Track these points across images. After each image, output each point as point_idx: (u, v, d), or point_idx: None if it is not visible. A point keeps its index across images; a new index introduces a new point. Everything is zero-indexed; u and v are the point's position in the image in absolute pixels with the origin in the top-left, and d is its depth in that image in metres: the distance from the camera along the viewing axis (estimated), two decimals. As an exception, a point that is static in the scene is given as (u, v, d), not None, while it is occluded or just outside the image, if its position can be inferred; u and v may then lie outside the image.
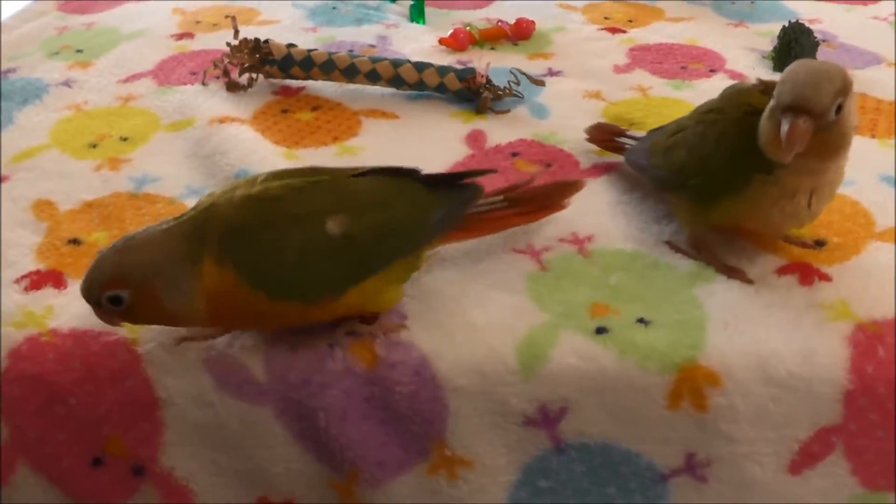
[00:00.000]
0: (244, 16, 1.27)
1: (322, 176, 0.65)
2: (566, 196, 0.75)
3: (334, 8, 1.30)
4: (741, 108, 0.68)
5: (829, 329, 0.65)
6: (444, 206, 0.66)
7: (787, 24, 1.08)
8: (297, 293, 0.61)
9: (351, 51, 1.12)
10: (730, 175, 0.67)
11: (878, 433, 0.64)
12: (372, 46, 1.14)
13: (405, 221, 0.64)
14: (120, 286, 0.58)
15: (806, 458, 0.64)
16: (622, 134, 0.86)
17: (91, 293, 0.59)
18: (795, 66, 0.63)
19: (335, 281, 0.62)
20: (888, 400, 0.63)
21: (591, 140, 0.88)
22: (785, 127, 0.60)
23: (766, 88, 0.68)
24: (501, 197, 0.72)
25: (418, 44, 1.15)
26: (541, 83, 0.97)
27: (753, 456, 0.64)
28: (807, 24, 1.10)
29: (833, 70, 0.61)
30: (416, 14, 1.23)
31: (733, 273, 0.70)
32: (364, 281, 0.62)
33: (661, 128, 0.80)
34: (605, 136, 0.87)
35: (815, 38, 1.08)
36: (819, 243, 0.74)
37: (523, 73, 0.97)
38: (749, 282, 0.69)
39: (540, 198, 0.74)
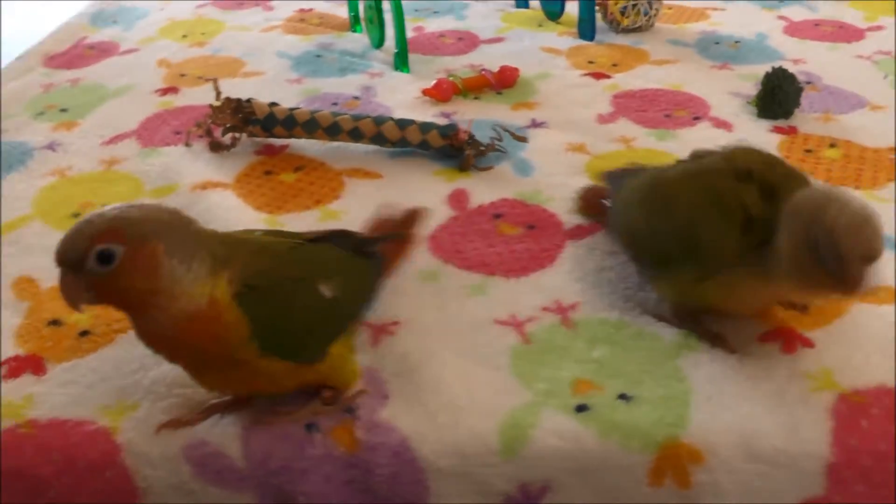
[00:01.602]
0: (230, 67, 1.28)
1: (296, 239, 0.68)
2: (416, 223, 0.77)
3: (318, 56, 1.30)
4: (711, 190, 0.67)
5: (812, 400, 0.65)
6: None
7: (770, 71, 1.08)
8: (290, 353, 0.61)
9: (335, 104, 1.12)
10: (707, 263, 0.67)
11: (865, 504, 0.63)
12: (356, 98, 1.15)
13: (362, 283, 0.68)
14: (116, 239, 0.54)
15: (791, 528, 0.64)
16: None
17: (77, 246, 0.54)
18: (850, 213, 0.61)
19: (322, 342, 0.63)
20: (874, 472, 0.62)
21: (580, 208, 0.87)
22: (867, 275, 0.60)
23: (738, 174, 0.67)
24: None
25: (403, 94, 1.15)
26: (523, 139, 0.97)
27: (739, 529, 0.63)
28: (791, 67, 1.10)
29: (875, 213, 0.62)
30: (400, 62, 1.23)
31: (717, 342, 0.69)
32: (336, 343, 0.64)
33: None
34: (593, 200, 0.86)
35: (799, 83, 1.08)
36: (802, 307, 0.74)
37: (506, 130, 0.97)
38: (732, 351, 0.69)
39: (405, 230, 0.76)
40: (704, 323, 0.71)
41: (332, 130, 0.99)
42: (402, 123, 0.98)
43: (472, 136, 0.96)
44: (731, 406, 0.64)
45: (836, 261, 0.59)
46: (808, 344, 0.70)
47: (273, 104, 1.02)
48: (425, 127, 0.97)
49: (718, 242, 0.65)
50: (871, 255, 0.60)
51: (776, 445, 0.62)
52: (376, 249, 0.71)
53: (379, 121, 0.98)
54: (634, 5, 1.31)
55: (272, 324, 0.59)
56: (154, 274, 0.55)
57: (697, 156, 0.74)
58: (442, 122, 1.01)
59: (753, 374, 0.67)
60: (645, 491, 0.62)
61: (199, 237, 0.59)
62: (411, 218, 0.77)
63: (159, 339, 0.59)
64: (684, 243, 0.67)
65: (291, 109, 1.01)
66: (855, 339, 0.71)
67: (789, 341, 0.70)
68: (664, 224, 0.69)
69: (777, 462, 0.62)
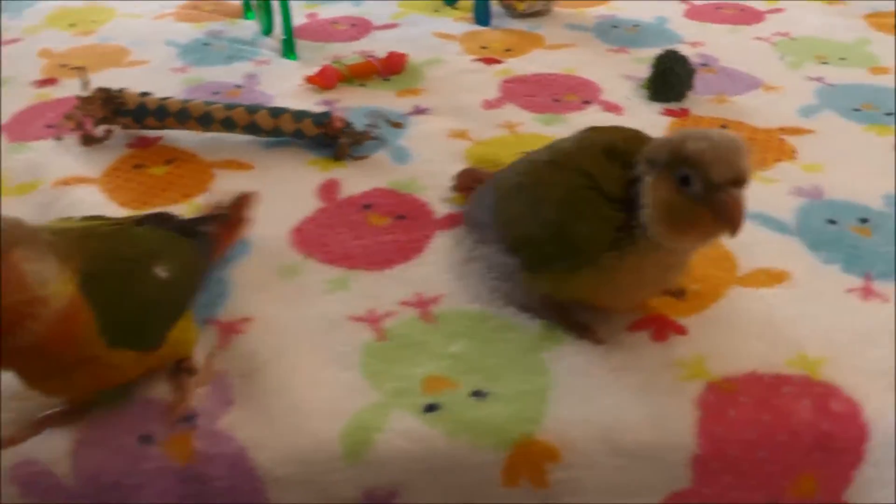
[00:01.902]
0: (114, 57, 1.22)
1: (119, 223, 0.65)
2: (247, 207, 0.76)
3: (207, 44, 1.25)
4: (580, 177, 0.63)
5: (680, 390, 0.62)
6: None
7: (661, 53, 1.05)
8: (135, 340, 0.58)
9: (216, 93, 1.08)
10: (572, 255, 0.64)
11: (734, 494, 0.61)
12: (238, 87, 1.10)
13: (190, 262, 0.65)
14: None
15: (659, 521, 0.61)
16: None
17: None
18: (713, 140, 0.58)
19: (163, 326, 0.60)
20: (741, 462, 0.60)
21: (457, 189, 0.84)
22: (732, 201, 0.57)
23: (612, 151, 0.63)
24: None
25: (287, 82, 1.11)
26: (399, 125, 0.94)
27: (603, 525, 0.60)
28: (689, 50, 1.10)
29: (739, 137, 0.59)
30: (287, 50, 1.18)
31: (584, 333, 0.66)
32: (177, 321, 0.62)
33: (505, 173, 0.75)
34: (471, 183, 0.83)
35: (692, 65, 1.06)
36: (678, 292, 0.71)
37: (380, 116, 0.93)
38: (599, 342, 0.66)
39: (232, 213, 0.74)
40: (572, 314, 0.68)
41: (204, 120, 0.95)
42: (276, 112, 0.93)
43: (347, 124, 0.92)
44: (593, 399, 0.61)
45: (707, 190, 0.57)
46: (681, 331, 0.68)
47: (145, 94, 0.97)
48: (299, 115, 0.93)
49: (590, 231, 0.62)
50: (740, 177, 0.57)
51: (639, 438, 0.59)
52: (204, 231, 0.69)
53: (252, 110, 0.94)
54: (532, -11, 1.28)
55: (116, 310, 0.56)
56: (24, 283, 0.51)
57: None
58: (324, 110, 0.97)
59: (620, 365, 0.64)
60: (499, 491, 0.59)
61: (39, 234, 0.54)
62: (241, 202, 0.75)
63: (26, 353, 0.54)
64: (556, 235, 0.64)
65: (163, 99, 0.96)
66: (731, 323, 0.68)
67: (661, 328, 0.67)
68: (535, 215, 0.66)
69: (640, 455, 0.59)
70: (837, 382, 0.63)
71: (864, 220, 0.82)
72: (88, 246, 0.57)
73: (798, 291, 0.72)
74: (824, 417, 0.61)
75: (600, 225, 0.62)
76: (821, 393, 0.62)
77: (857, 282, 0.74)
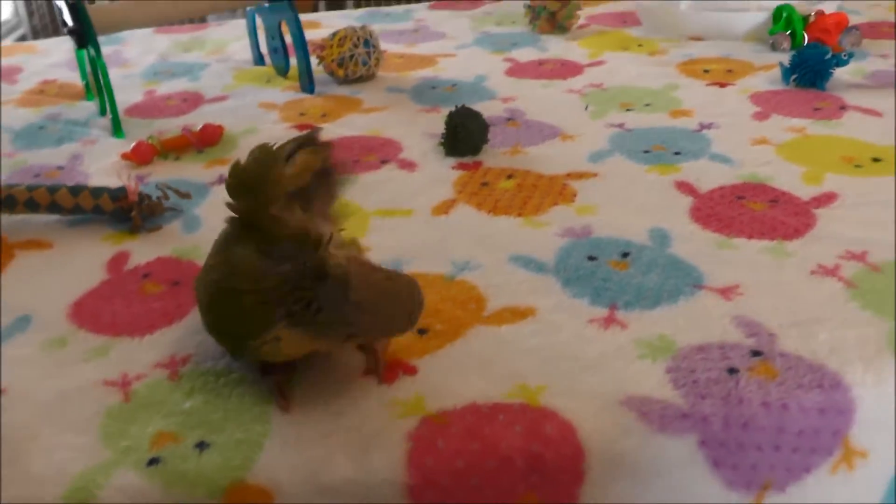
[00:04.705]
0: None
1: None
2: None
3: (42, 128, 1.30)
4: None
5: (393, 427, 0.67)
6: None
7: (452, 111, 1.12)
8: None
9: (38, 175, 1.12)
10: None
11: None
12: (60, 168, 1.15)
13: None
14: None
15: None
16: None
17: None
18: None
19: None
20: (455, 490, 0.64)
21: None
22: None
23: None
24: None
25: (107, 160, 1.16)
26: (187, 196, 0.99)
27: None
28: (500, 105, 1.18)
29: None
30: (115, 128, 1.24)
31: (279, 399, 0.70)
32: None
33: None
34: None
35: (484, 120, 1.12)
36: (421, 332, 0.76)
37: (169, 187, 0.98)
38: (283, 409, 0.69)
39: None
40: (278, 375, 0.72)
41: (9, 203, 0.99)
42: (75, 190, 0.98)
43: (142, 198, 0.97)
44: (306, 444, 0.66)
45: None
46: (410, 371, 0.72)
47: (-50, 183, 1.01)
48: (97, 192, 0.98)
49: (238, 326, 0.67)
50: None
51: (346, 475, 0.64)
52: None
53: (53, 189, 0.99)
54: (352, 56, 1.34)
55: None
56: None
57: None
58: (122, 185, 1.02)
59: (340, 410, 0.69)
60: (218, 533, 0.63)
61: None
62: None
63: None
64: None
65: (-32, 187, 1.00)
66: (460, 361, 0.73)
67: (391, 370, 0.72)
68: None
69: (349, 491, 0.63)
70: (554, 407, 0.68)
71: (625, 255, 0.87)
72: None
73: (538, 326, 0.78)
74: (536, 441, 0.66)
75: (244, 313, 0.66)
76: (535, 418, 0.67)
77: (601, 312, 0.79)
